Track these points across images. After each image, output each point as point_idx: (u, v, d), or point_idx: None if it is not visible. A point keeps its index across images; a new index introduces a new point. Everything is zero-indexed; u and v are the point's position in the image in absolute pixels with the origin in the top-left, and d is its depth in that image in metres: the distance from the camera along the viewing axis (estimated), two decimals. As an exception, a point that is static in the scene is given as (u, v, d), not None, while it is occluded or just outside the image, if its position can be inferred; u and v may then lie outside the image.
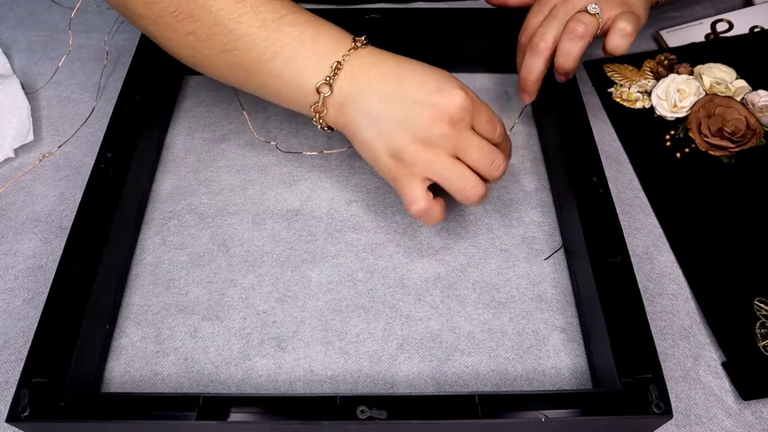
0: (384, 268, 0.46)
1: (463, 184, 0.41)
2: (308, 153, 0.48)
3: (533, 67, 0.48)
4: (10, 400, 0.35)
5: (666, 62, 0.58)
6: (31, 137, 0.52)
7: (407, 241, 0.47)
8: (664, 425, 0.39)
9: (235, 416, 0.34)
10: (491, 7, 0.55)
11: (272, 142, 0.49)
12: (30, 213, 0.49)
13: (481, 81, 0.58)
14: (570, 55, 0.46)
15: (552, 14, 0.48)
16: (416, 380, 0.41)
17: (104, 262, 0.41)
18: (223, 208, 0.49)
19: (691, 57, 0.58)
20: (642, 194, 0.50)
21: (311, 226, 0.48)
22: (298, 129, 0.54)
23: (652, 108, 0.55)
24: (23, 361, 0.36)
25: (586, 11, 0.46)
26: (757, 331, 0.43)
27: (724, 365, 0.42)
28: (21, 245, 0.47)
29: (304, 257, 0.46)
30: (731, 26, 0.60)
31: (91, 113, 0.55)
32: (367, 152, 0.43)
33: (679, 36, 0.60)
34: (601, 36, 0.47)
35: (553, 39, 0.47)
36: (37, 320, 0.38)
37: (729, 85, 0.55)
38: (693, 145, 0.53)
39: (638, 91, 0.56)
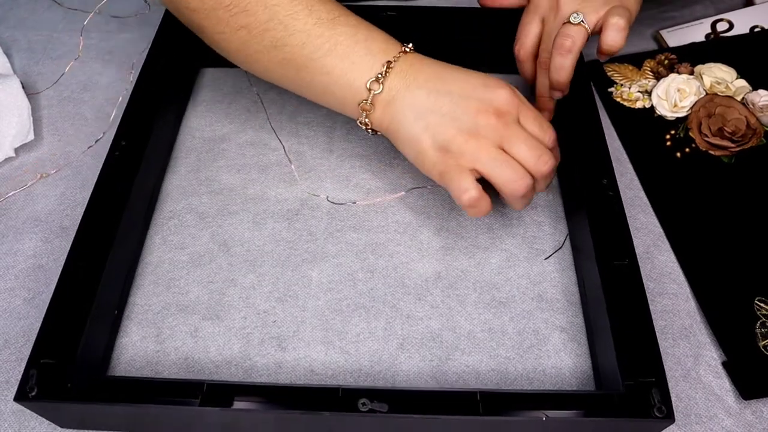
0: (384, 267, 0.46)
1: (509, 175, 0.41)
2: (361, 203, 0.48)
3: (546, 84, 0.49)
4: (11, 400, 0.35)
5: (666, 62, 0.58)
6: (31, 136, 0.52)
7: (407, 240, 0.47)
8: (664, 425, 0.39)
9: (238, 404, 0.35)
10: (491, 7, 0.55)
11: (321, 195, 0.49)
12: (30, 213, 0.49)
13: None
14: (563, 68, 0.47)
15: (547, 32, 0.49)
16: (416, 379, 0.41)
17: (112, 256, 0.41)
18: (224, 207, 0.49)
19: (692, 57, 0.58)
20: (642, 194, 0.50)
21: (312, 226, 0.48)
22: (299, 129, 0.54)
23: (652, 108, 0.55)
24: (24, 361, 0.36)
25: (569, 22, 0.46)
26: (758, 330, 0.43)
27: (725, 365, 0.42)
28: (21, 245, 0.47)
29: (304, 257, 0.46)
30: (731, 26, 0.60)
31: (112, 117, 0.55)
32: (412, 149, 0.43)
33: (679, 36, 0.60)
34: (596, 34, 0.47)
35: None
36: (38, 320, 0.38)
37: (729, 84, 0.55)
38: (693, 145, 0.53)
39: (638, 91, 0.56)
